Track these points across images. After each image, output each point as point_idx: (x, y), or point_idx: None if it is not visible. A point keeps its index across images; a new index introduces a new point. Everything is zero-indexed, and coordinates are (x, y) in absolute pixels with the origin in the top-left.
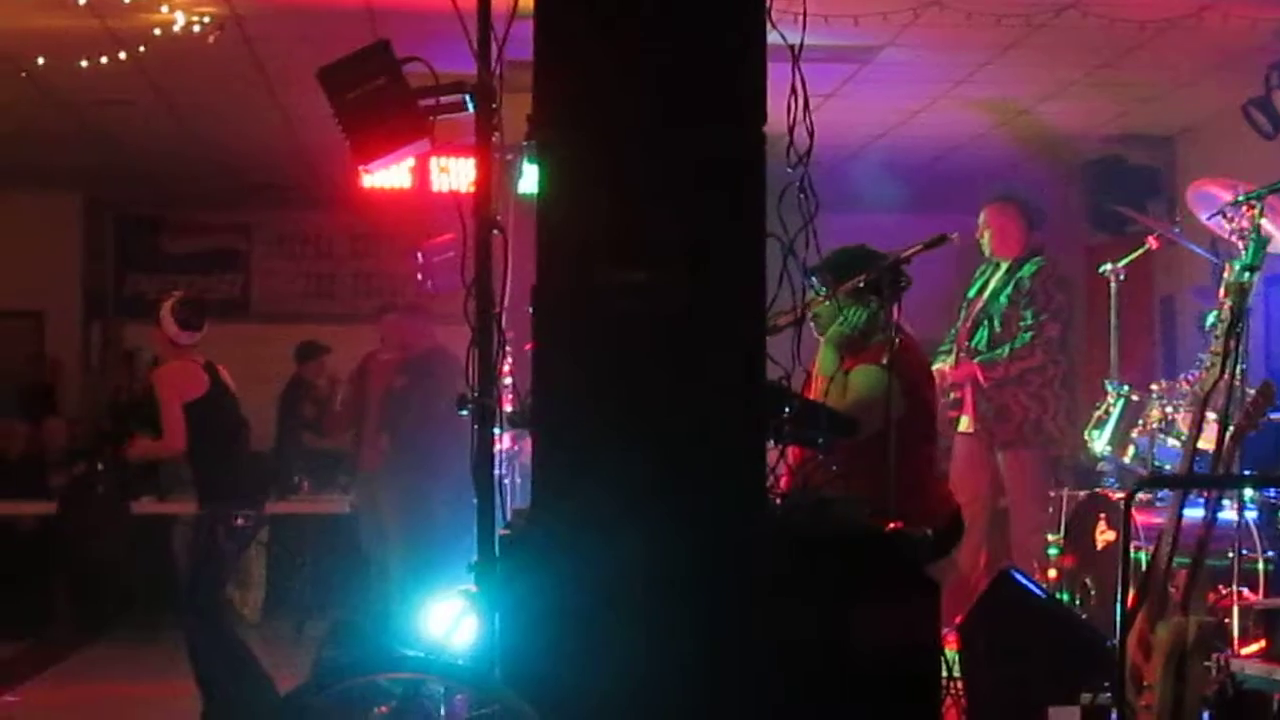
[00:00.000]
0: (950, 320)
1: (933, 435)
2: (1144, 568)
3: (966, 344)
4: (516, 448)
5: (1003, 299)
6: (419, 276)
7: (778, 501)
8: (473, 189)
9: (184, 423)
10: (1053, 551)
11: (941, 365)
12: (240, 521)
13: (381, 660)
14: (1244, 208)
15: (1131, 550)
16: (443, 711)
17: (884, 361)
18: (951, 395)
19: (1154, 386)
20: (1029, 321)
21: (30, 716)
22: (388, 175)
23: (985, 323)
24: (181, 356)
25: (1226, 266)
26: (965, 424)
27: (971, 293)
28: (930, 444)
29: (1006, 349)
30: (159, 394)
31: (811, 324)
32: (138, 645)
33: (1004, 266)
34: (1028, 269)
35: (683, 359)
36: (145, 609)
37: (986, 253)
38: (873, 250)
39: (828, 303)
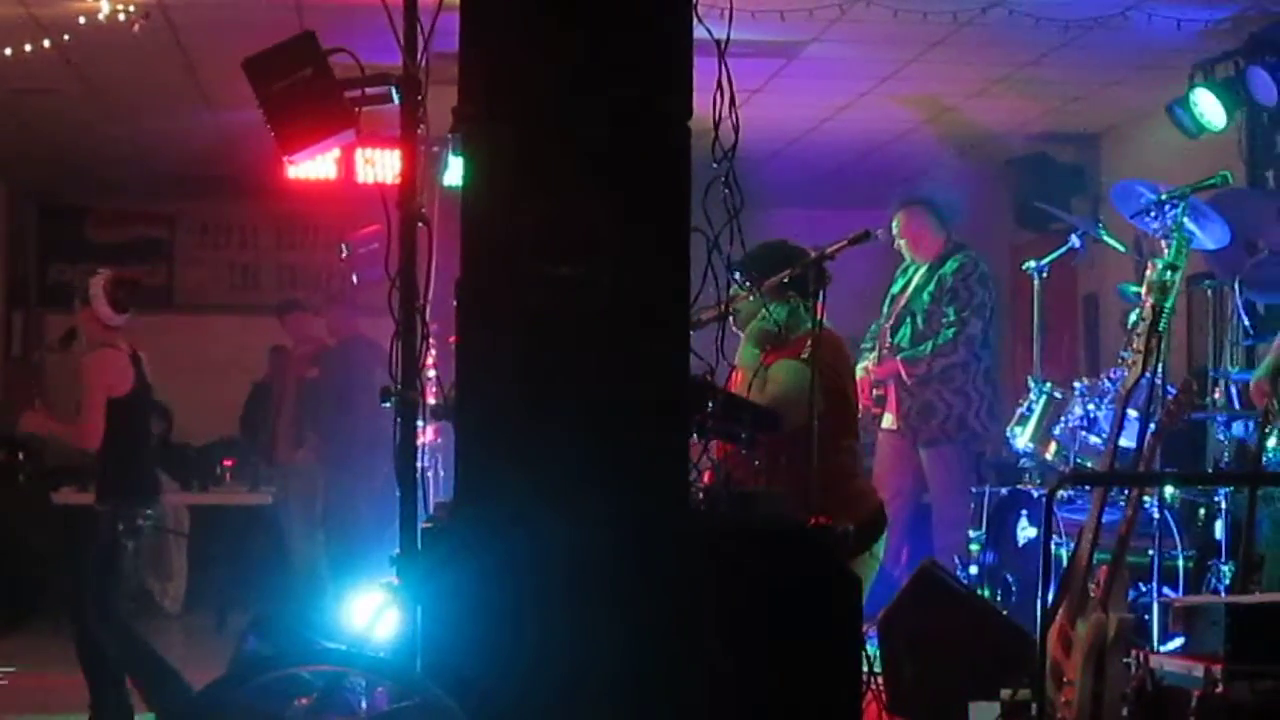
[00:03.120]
0: (873, 317)
1: (854, 430)
2: (1065, 564)
3: (890, 341)
4: (440, 440)
5: (925, 296)
6: (344, 268)
7: (700, 496)
8: (398, 181)
9: (104, 418)
10: (974, 547)
11: (865, 362)
12: (142, 521)
13: (302, 653)
14: (1167, 207)
15: (1052, 546)
16: (364, 704)
17: (804, 356)
18: (875, 392)
19: (1076, 384)
20: (951, 318)
21: None
22: (313, 166)
23: (908, 319)
24: (110, 340)
25: (1149, 265)
26: (889, 421)
27: (895, 289)
28: (852, 439)
29: (929, 345)
30: (85, 381)
31: (732, 319)
32: (59, 635)
33: (927, 264)
34: (950, 266)
35: (606, 353)
36: (65, 599)
37: (907, 258)
38: (797, 246)
39: (751, 298)
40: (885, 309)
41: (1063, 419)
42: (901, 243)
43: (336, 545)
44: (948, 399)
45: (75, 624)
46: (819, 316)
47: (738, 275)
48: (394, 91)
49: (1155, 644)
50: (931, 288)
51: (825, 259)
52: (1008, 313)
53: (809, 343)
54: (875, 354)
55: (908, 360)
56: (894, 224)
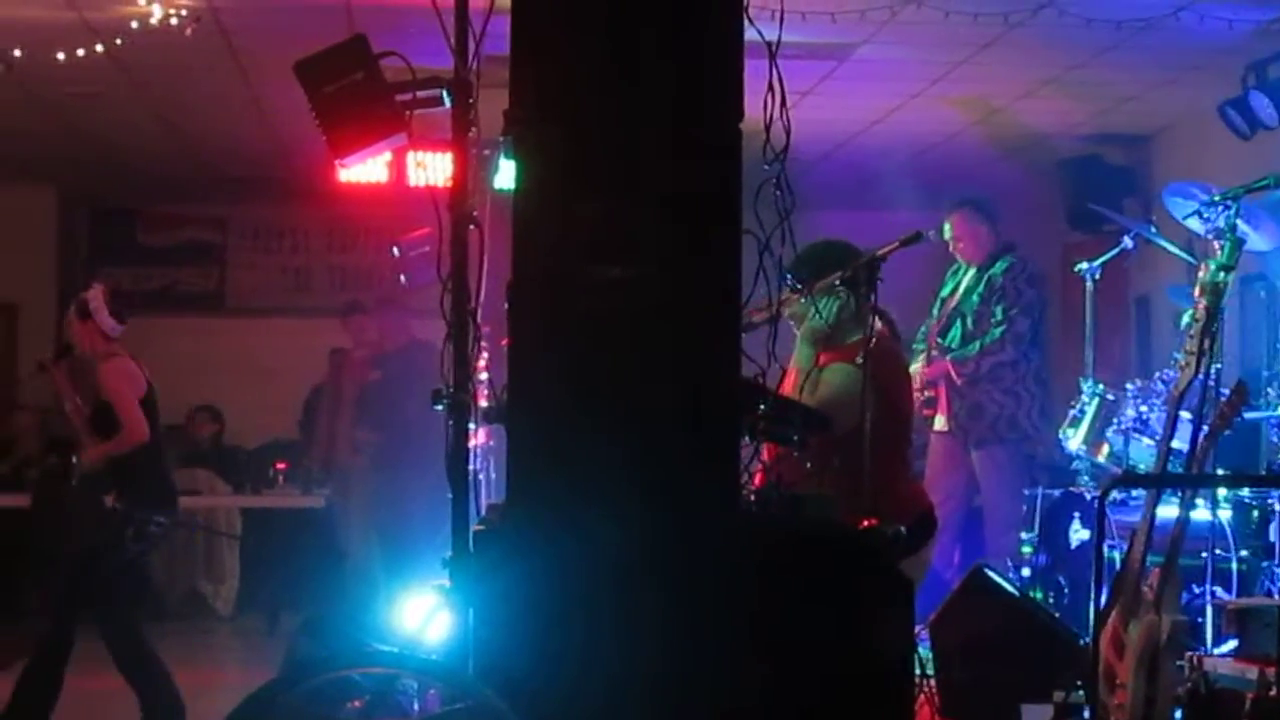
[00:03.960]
0: (922, 319)
1: (906, 434)
2: (1117, 566)
3: (939, 342)
4: (491, 443)
5: (975, 297)
6: (396, 271)
7: (751, 498)
8: (449, 183)
9: (144, 416)
10: (1026, 549)
11: (916, 364)
12: (153, 527)
13: (354, 655)
14: (1220, 208)
15: (1105, 549)
16: (416, 707)
17: (858, 360)
18: (926, 394)
19: (1129, 385)
20: (999, 317)
21: None
22: (364, 169)
23: (958, 321)
24: (114, 351)
25: (1202, 266)
26: (940, 422)
27: (944, 291)
28: (903, 442)
29: (977, 345)
30: (111, 389)
31: (791, 322)
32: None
33: (976, 266)
34: (999, 266)
35: (657, 355)
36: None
37: (958, 259)
38: (848, 246)
39: (802, 300)
40: (934, 311)
41: (1115, 421)
42: (956, 246)
43: (390, 548)
44: (998, 399)
45: (103, 630)
46: (871, 319)
47: (789, 277)
48: (445, 94)
49: (1208, 647)
50: (981, 289)
51: (877, 261)
52: (1059, 314)
53: (862, 345)
54: (924, 356)
55: (956, 360)
56: (945, 226)
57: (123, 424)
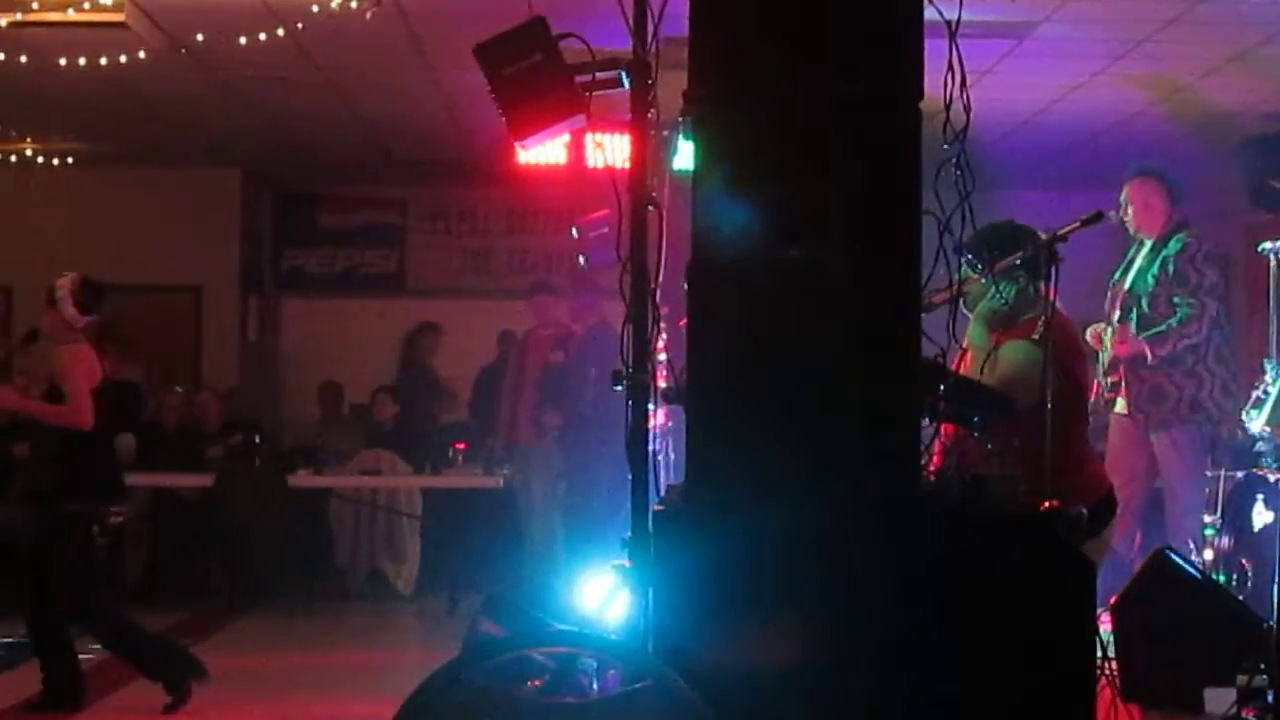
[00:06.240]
0: (1101, 299)
1: (1084, 413)
2: None
3: (1115, 324)
4: (670, 423)
5: (1149, 278)
6: (574, 253)
7: (932, 479)
8: (628, 165)
9: (94, 402)
10: (1209, 532)
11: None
12: (114, 520)
13: (535, 634)
14: None
15: None
16: (595, 686)
17: (1036, 337)
18: (1108, 380)
19: None
20: (1183, 301)
21: None
22: (543, 151)
23: (1134, 304)
24: (77, 340)
25: None
26: (1121, 405)
27: (1118, 275)
28: (1082, 422)
29: (1175, 319)
30: (66, 371)
31: (961, 300)
32: (292, 617)
33: (1149, 245)
34: (1173, 246)
35: (837, 336)
36: (300, 581)
37: (1130, 230)
38: (1024, 226)
39: (981, 280)
40: (1108, 294)
41: None
42: (1129, 211)
43: (570, 527)
44: (1178, 381)
45: (37, 611)
46: (1052, 298)
47: (969, 256)
48: (624, 76)
49: None
50: (1155, 270)
51: (1057, 240)
52: (1243, 294)
53: (1039, 323)
54: (1110, 335)
55: (1153, 339)
56: (1123, 192)
57: (67, 401)
